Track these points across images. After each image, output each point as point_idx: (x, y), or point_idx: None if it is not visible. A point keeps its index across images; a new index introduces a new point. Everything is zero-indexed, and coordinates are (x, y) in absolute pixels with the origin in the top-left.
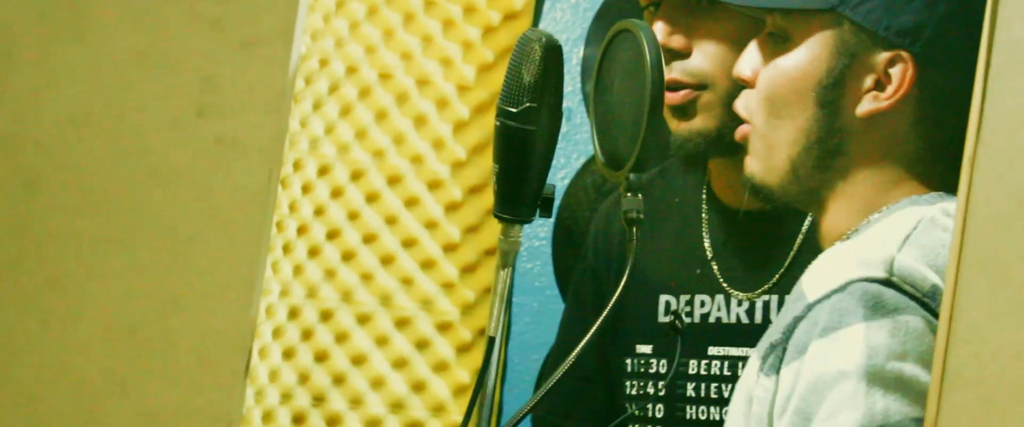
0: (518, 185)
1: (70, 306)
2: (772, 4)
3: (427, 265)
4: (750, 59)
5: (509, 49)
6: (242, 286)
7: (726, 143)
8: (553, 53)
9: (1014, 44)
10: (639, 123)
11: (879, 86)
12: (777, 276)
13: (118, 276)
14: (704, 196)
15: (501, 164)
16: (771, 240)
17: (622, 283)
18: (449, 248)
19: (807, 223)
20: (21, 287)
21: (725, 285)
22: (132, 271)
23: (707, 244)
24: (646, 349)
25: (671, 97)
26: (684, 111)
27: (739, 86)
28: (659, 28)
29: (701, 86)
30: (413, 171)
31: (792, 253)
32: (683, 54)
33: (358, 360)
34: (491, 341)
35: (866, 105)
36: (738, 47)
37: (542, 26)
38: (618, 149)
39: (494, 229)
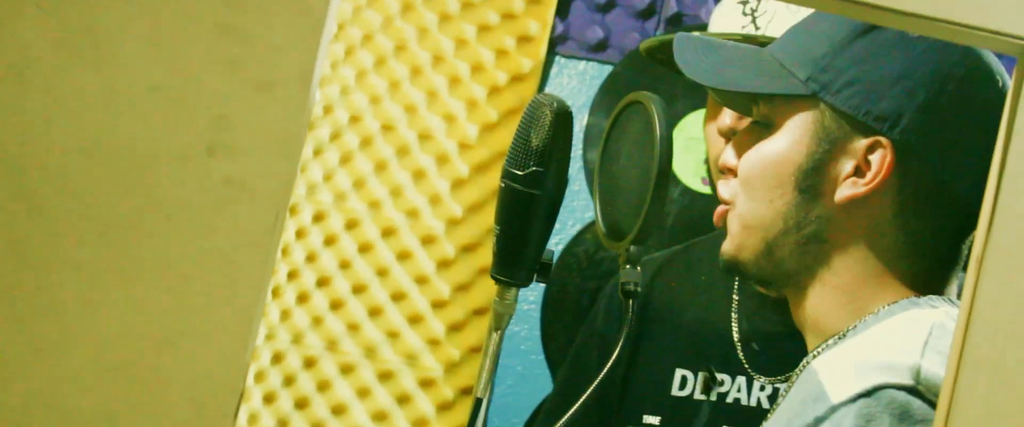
0: (518, 248)
1: (64, 335)
2: (754, 89)
3: (414, 320)
4: (735, 148)
5: (513, 110)
6: (239, 329)
7: None
8: (563, 119)
9: None
10: (644, 196)
11: (858, 172)
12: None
13: (115, 308)
14: (737, 277)
15: (503, 226)
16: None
17: (614, 354)
18: (438, 305)
19: None
20: (17, 312)
21: (747, 367)
22: (129, 305)
23: (735, 325)
24: (653, 420)
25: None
26: None
27: None
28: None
29: None
30: (408, 225)
31: None
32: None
33: (338, 410)
34: (478, 403)
35: (845, 190)
36: None
37: (548, 91)
38: (620, 220)
39: (484, 288)
